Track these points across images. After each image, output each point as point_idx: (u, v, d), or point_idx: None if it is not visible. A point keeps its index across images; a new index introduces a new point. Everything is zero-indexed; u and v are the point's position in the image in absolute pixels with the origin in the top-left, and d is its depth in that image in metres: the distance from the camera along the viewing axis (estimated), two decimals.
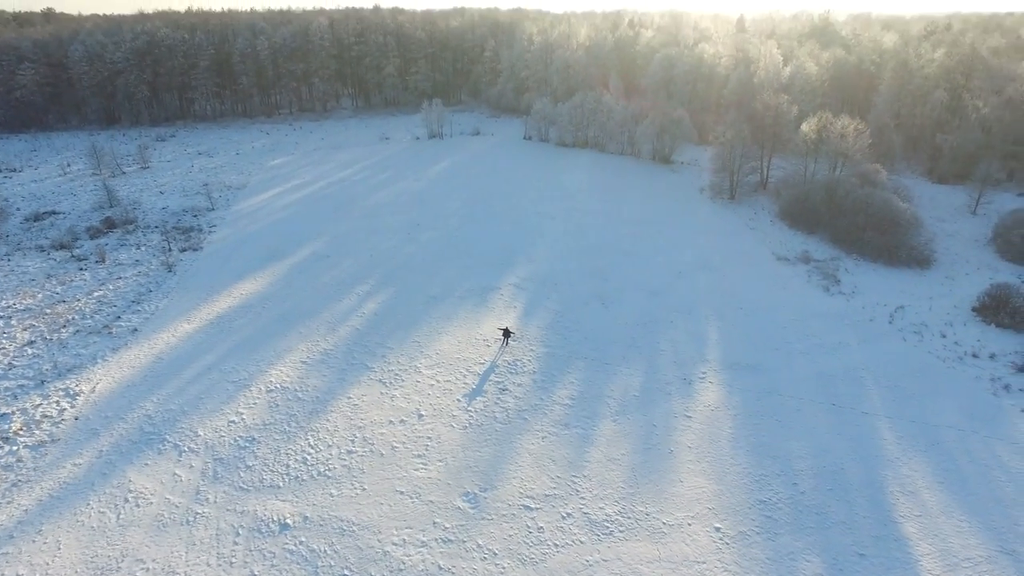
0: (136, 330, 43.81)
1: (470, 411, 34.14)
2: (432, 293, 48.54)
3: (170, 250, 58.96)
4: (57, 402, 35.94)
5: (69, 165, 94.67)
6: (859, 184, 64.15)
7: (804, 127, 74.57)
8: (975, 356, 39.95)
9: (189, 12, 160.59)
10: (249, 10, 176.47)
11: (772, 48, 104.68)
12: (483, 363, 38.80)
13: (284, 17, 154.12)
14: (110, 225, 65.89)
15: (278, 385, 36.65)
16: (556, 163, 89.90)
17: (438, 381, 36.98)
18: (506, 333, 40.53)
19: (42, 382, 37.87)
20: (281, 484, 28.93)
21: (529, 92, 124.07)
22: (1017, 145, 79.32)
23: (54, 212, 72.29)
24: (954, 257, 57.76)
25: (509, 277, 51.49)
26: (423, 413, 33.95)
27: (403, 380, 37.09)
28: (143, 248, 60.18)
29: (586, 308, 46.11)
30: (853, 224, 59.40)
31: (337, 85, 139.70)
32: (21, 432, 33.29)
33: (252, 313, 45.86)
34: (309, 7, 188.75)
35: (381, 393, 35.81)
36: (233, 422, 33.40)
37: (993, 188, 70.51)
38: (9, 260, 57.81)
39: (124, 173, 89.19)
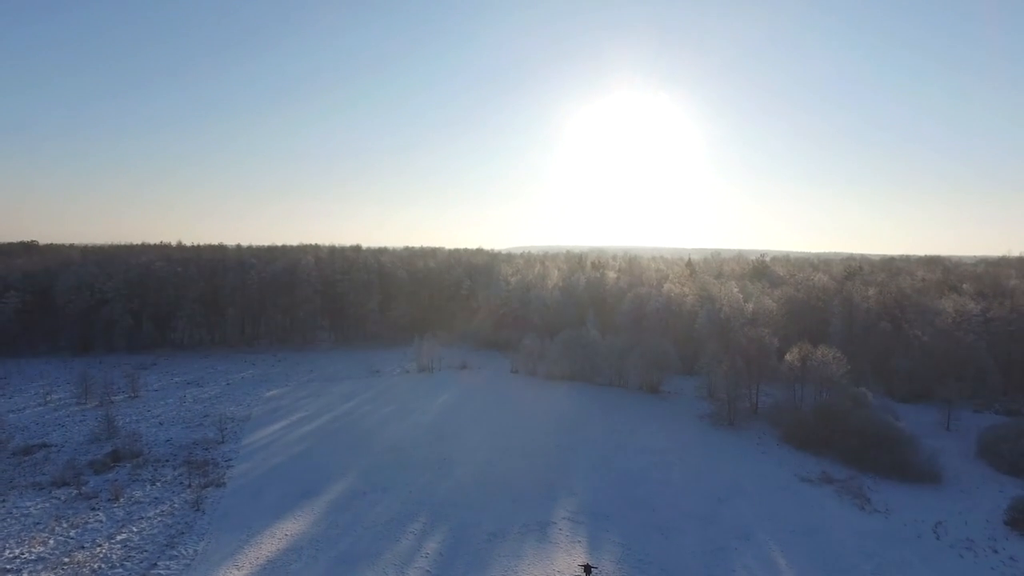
0: None
1: None
2: (489, 530, 47.51)
3: (189, 486, 55.99)
4: None
5: (50, 393, 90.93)
6: (853, 407, 70.43)
7: (788, 356, 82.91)
8: None
9: (181, 246, 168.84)
10: (236, 245, 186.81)
11: (732, 288, 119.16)
12: None
13: (273, 253, 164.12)
14: (116, 459, 62.42)
15: None
16: (554, 396, 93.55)
17: None
18: (587, 569, 39.88)
19: None
20: None
21: (507, 328, 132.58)
22: (959, 369, 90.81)
23: (45, 444, 68.11)
24: (956, 471, 61.86)
25: (558, 510, 51.35)
26: None
27: None
28: (159, 484, 56.84)
29: (649, 539, 46.03)
30: (859, 444, 64.04)
31: (320, 318, 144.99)
32: None
33: (306, 556, 43.20)
34: (294, 243, 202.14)
35: None
36: None
37: (951, 405, 79.21)
38: (4, 501, 53.10)
39: (112, 402, 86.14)
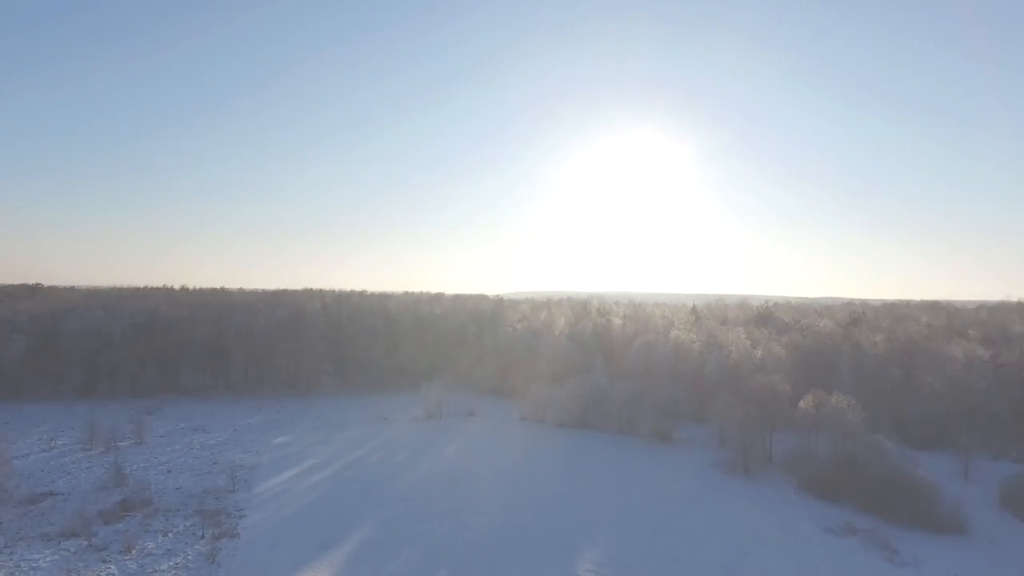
0: None
1: None
2: None
3: (203, 536, 54.73)
4: None
5: (54, 439, 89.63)
6: (871, 455, 69.64)
7: (802, 403, 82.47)
8: None
9: (187, 290, 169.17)
10: (239, 288, 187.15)
11: (740, 334, 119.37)
12: None
13: (279, 298, 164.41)
14: (126, 508, 61.12)
15: None
16: (565, 444, 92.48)
17: None
18: None
19: None
20: None
21: (514, 374, 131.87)
22: (972, 416, 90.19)
23: (52, 493, 66.79)
24: (982, 522, 60.83)
25: (582, 562, 50.31)
26: None
27: None
28: (171, 535, 55.56)
29: None
30: (881, 493, 63.15)
31: (325, 363, 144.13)
32: None
33: None
34: (289, 285, 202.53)
35: None
36: None
37: (968, 453, 78.32)
38: (12, 554, 51.69)
39: (118, 448, 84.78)
